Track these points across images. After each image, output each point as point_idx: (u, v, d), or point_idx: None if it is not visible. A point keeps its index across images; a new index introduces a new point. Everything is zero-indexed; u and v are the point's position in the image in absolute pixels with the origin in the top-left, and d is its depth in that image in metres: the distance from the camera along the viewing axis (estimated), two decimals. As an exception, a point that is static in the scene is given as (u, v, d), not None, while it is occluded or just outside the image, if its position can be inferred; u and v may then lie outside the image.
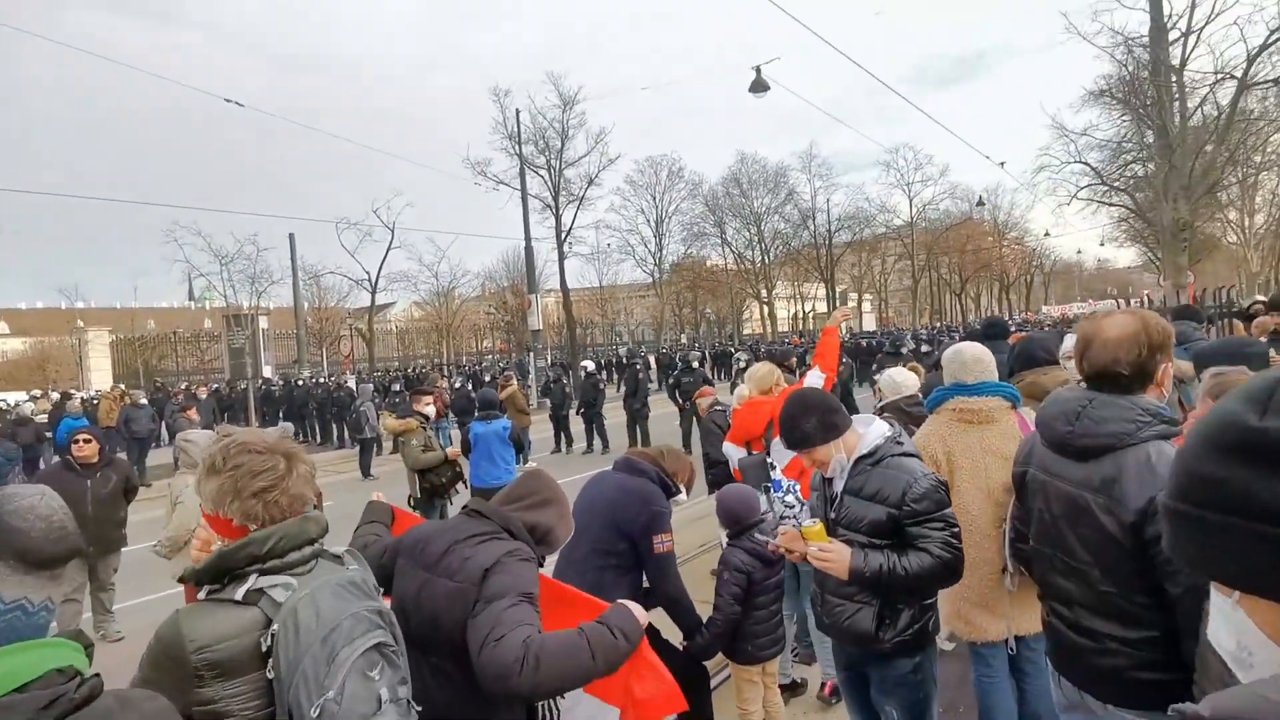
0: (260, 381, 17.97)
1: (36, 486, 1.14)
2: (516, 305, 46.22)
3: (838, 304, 48.69)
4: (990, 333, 4.84)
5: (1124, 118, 22.71)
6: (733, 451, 3.77)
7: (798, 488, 3.41)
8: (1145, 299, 28.41)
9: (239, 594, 1.30)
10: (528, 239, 22.49)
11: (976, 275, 51.10)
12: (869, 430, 2.23)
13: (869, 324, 53.74)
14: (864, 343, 25.11)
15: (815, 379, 3.63)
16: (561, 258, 28.96)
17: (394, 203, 45.58)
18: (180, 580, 1.36)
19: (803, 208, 43.29)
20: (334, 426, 16.32)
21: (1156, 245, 26.79)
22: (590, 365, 13.79)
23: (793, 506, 3.34)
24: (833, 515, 2.20)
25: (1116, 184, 24.84)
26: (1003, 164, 28.56)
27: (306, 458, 1.46)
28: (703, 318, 51.95)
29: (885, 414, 4.56)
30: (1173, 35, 15.14)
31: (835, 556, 2.06)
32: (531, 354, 22.66)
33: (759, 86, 16.17)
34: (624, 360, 27.73)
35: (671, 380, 11.99)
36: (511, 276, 47.25)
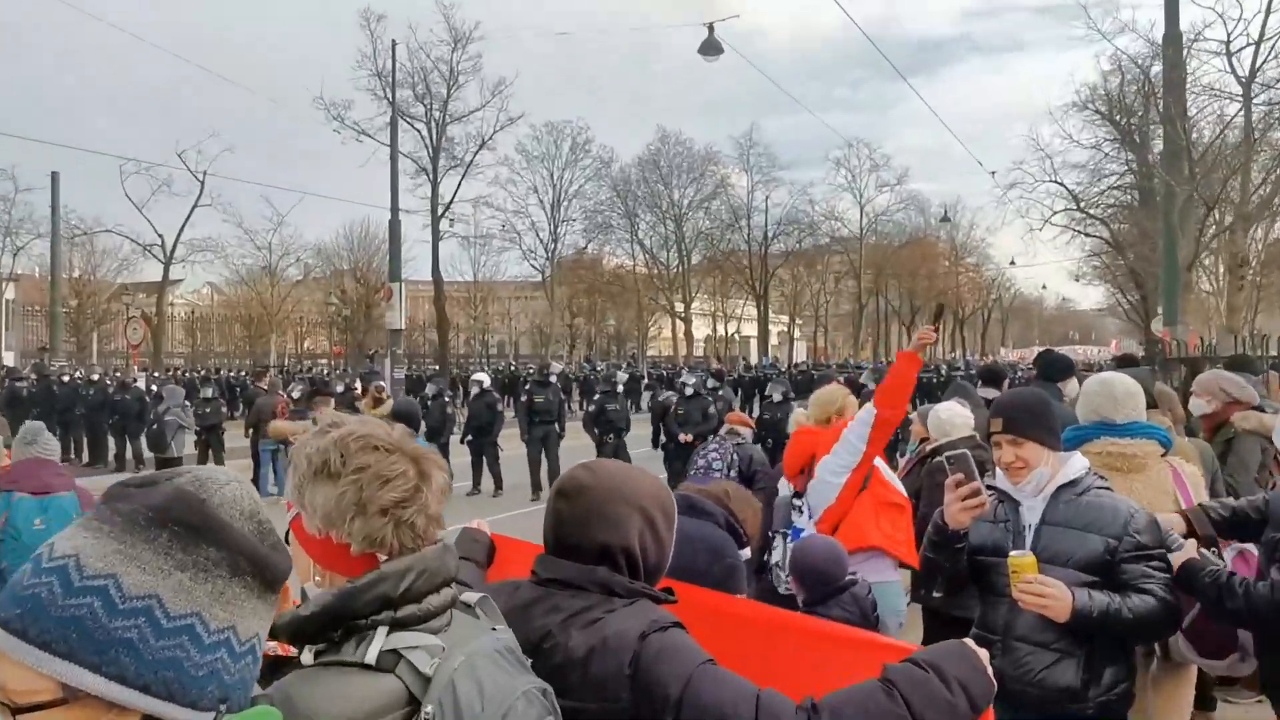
0: (3, 371, 16.26)
1: (224, 470, 1.03)
2: (359, 296, 44.78)
3: (786, 325, 50.84)
4: (1051, 373, 5.15)
5: (1108, 136, 25.32)
6: (783, 490, 3.82)
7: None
8: (1114, 346, 31.51)
9: (370, 655, 1.18)
10: (395, 210, 21.81)
11: (929, 304, 54.58)
12: (1071, 460, 2.38)
13: (798, 353, 56.22)
14: (798, 374, 26.21)
15: (864, 417, 3.72)
16: (436, 238, 28.33)
17: (208, 145, 42.74)
18: (272, 634, 1.18)
19: (734, 204, 44.81)
20: (111, 440, 15.00)
21: (1129, 285, 29.85)
22: (485, 379, 13.52)
23: None
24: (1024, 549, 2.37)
25: (1093, 211, 27.60)
26: (994, 173, 30.56)
27: (441, 462, 1.36)
28: (600, 330, 52.40)
29: (936, 458, 4.79)
30: (1239, 42, 16.50)
31: (1056, 594, 2.13)
32: (389, 360, 21.86)
33: (710, 48, 16.64)
34: (522, 377, 27.48)
35: (593, 408, 12.08)
36: (355, 257, 45.82)
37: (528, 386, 12.90)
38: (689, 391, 11.51)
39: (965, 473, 2.37)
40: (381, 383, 13.46)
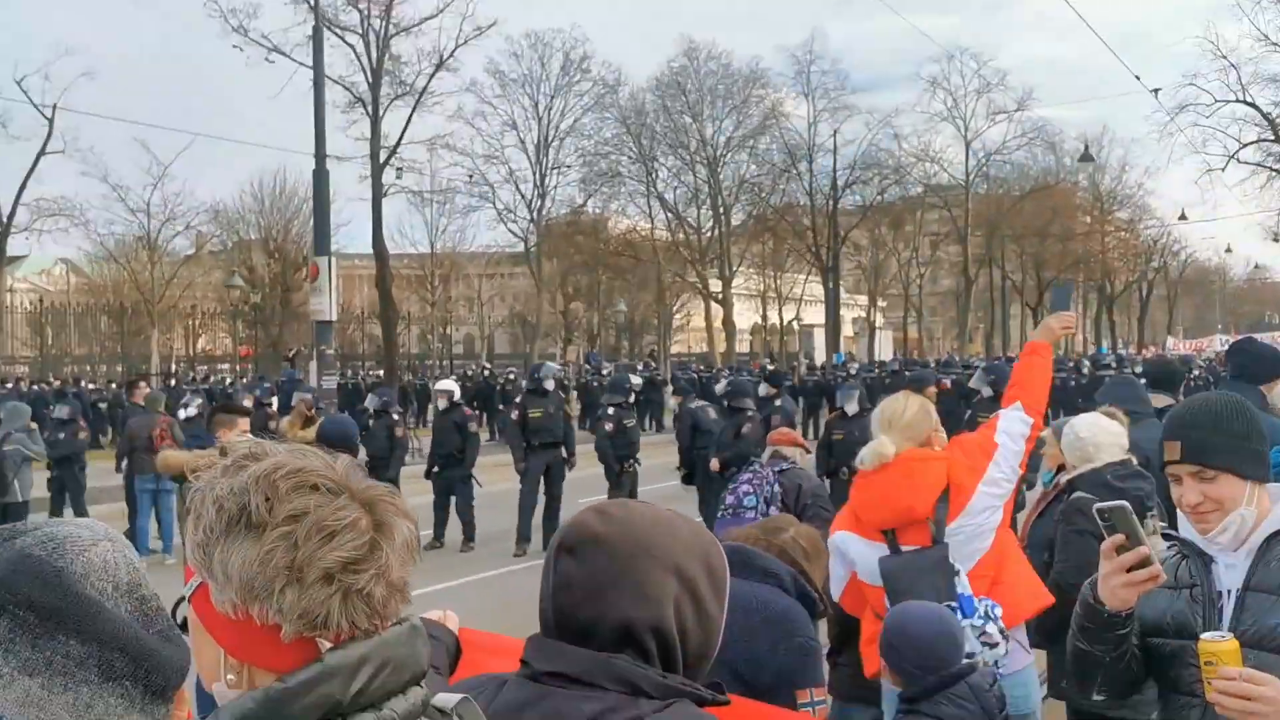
0: None
1: (89, 524, 1.05)
2: (273, 276, 45.21)
3: (862, 307, 50.62)
4: (1251, 370, 5.08)
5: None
6: (858, 547, 3.79)
7: (999, 611, 3.49)
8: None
9: None
10: (320, 156, 21.93)
11: (1062, 277, 54.46)
12: None
13: (883, 347, 56.30)
14: (886, 377, 26.15)
15: (1016, 425, 3.83)
16: (379, 194, 28.46)
17: (59, 69, 43.27)
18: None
19: (790, 143, 44.87)
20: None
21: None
22: (453, 389, 13.60)
23: (995, 644, 3.37)
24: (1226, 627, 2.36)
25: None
26: (1156, 91, 29.92)
27: (405, 507, 1.36)
28: (607, 318, 52.72)
29: (1076, 493, 4.75)
30: None
31: (1269, 693, 2.11)
32: (315, 364, 22.01)
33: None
34: (501, 384, 27.59)
35: (607, 425, 12.28)
36: (267, 222, 46.28)
37: (519, 399, 12.99)
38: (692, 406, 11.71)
39: (1127, 532, 2.33)
40: (307, 394, 13.54)
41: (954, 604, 3.43)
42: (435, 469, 13.00)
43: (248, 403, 13.82)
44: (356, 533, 1.28)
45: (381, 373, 32.23)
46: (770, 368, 26.95)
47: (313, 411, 10.71)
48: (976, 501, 3.75)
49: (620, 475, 12.22)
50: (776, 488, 6.49)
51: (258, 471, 1.29)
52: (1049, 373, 4.10)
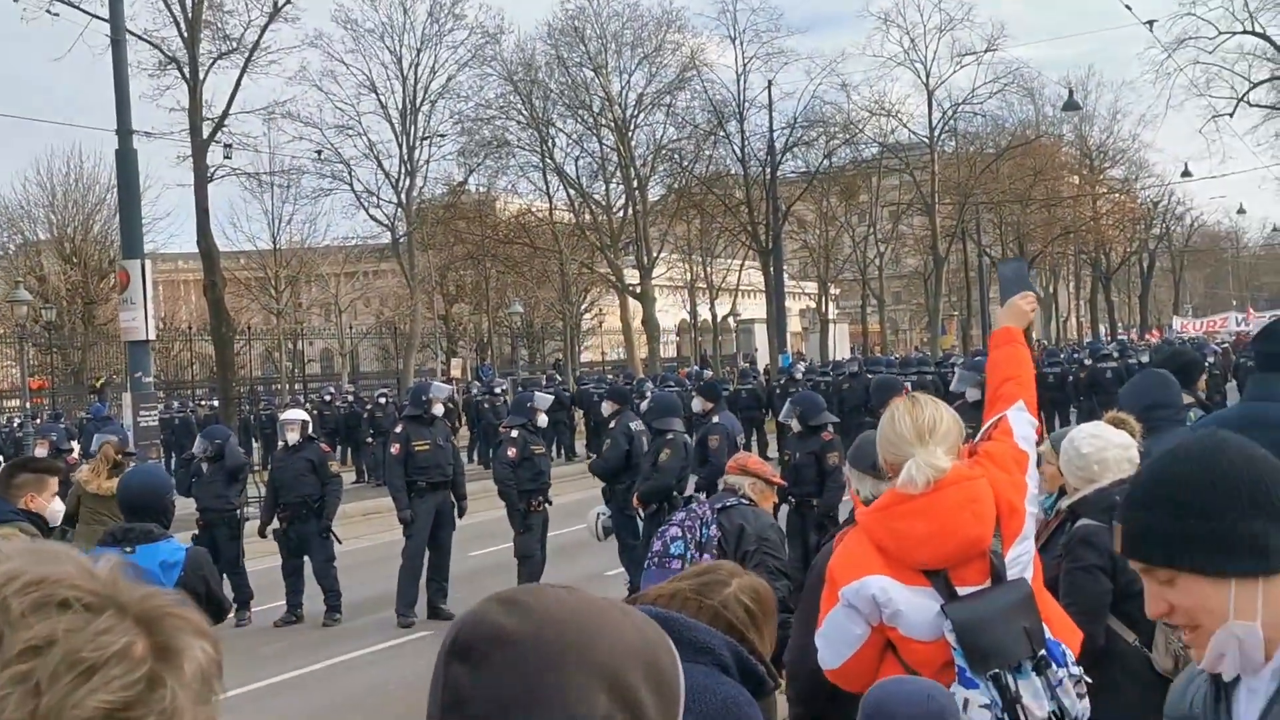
0: None
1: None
2: (71, 286, 44.12)
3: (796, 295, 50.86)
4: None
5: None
6: (904, 595, 3.75)
7: (1071, 658, 3.59)
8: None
9: None
10: (124, 130, 21.48)
11: (1048, 251, 55.77)
12: None
13: (839, 344, 56.89)
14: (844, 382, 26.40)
15: (1027, 429, 3.96)
16: (202, 177, 27.96)
17: None
18: None
19: (716, 98, 45.21)
20: None
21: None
22: (301, 418, 13.34)
23: (1084, 694, 3.50)
24: None
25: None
26: (1150, 24, 30.47)
27: (199, 622, 1.25)
28: (500, 323, 52.52)
29: (1080, 520, 4.78)
30: None
31: None
32: (128, 396, 21.49)
33: None
34: (369, 411, 27.12)
35: (508, 454, 12.21)
36: (60, 219, 45.26)
37: (399, 428, 12.82)
38: (633, 425, 11.68)
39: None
40: (113, 436, 13.14)
41: (1042, 652, 3.53)
42: (282, 524, 12.71)
43: (41, 450, 13.45)
44: (128, 664, 1.17)
45: (214, 404, 31.66)
46: (705, 375, 27.12)
47: (120, 456, 10.40)
48: (1029, 524, 3.82)
49: (527, 516, 12.13)
50: (712, 530, 6.45)
51: None
52: (1027, 357, 4.22)
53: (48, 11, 26.05)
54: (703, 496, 8.11)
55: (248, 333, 42.96)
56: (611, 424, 12.71)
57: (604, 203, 46.20)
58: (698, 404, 12.95)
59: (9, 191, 45.17)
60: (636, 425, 12.25)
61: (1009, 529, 3.75)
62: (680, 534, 6.43)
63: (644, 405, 12.84)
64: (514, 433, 12.46)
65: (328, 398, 31.23)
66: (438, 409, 12.84)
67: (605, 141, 45.36)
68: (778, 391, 26.35)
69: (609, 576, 13.60)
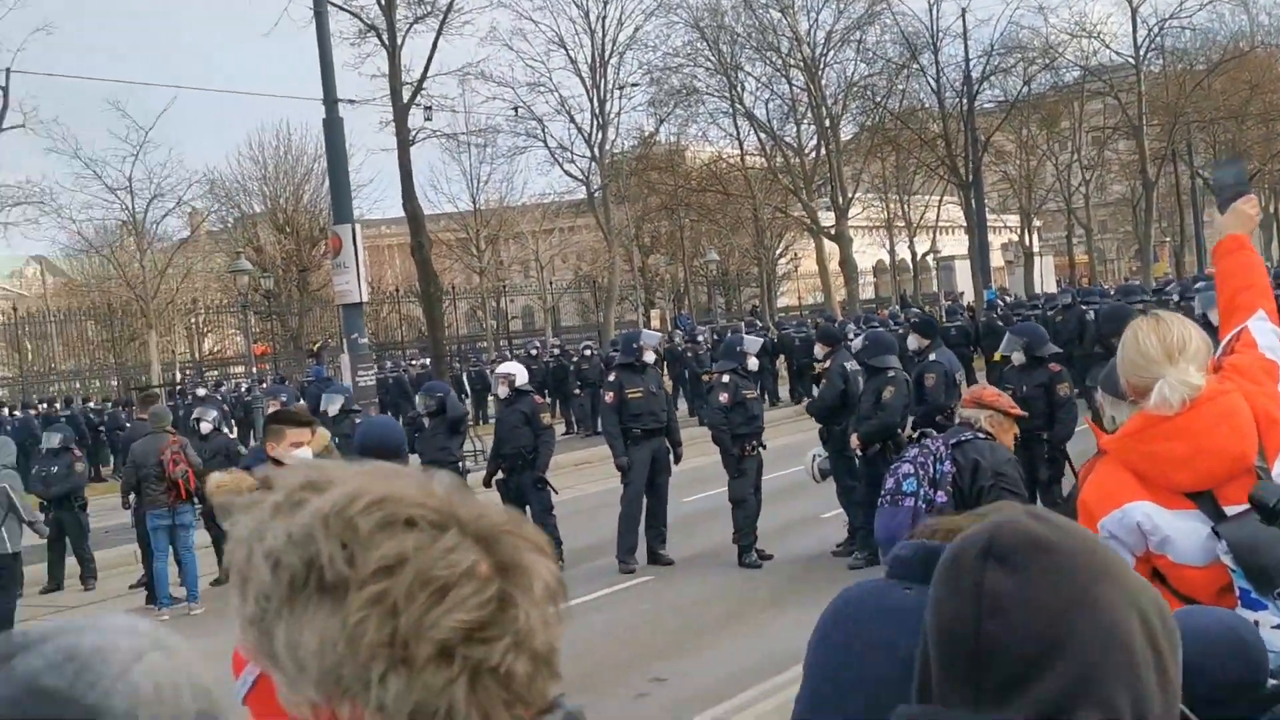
0: None
1: (122, 620, 1.04)
2: (285, 255, 45.84)
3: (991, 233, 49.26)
4: None
5: None
6: (1170, 520, 3.56)
7: None
8: None
9: None
10: (330, 99, 22.07)
11: (1268, 169, 52.90)
12: None
13: (1044, 276, 55.20)
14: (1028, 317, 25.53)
15: (1271, 337, 3.78)
16: (405, 141, 28.69)
17: (10, 25, 44.23)
18: None
19: (908, 30, 44.13)
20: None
21: None
22: (517, 373, 13.52)
23: None
24: None
25: None
26: None
27: (537, 538, 1.24)
28: (695, 272, 52.68)
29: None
30: None
31: None
32: (348, 357, 22.20)
33: None
34: (575, 363, 27.52)
35: (721, 398, 12.15)
36: (272, 189, 46.98)
37: (613, 377, 12.91)
38: (847, 365, 11.53)
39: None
40: (340, 395, 13.62)
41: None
42: (500, 474, 12.97)
43: (272, 408, 13.92)
44: (478, 583, 1.16)
45: (427, 362, 32.54)
46: (924, 310, 26.46)
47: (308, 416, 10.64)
48: None
49: (741, 461, 12.08)
50: (947, 465, 6.27)
51: (324, 506, 1.16)
52: (1262, 267, 4.04)
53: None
54: (934, 433, 7.87)
55: (452, 292, 43.98)
56: (825, 364, 12.48)
57: (796, 145, 45.90)
58: (913, 341, 12.63)
59: (225, 168, 47.10)
60: (851, 365, 12.03)
61: (1271, 442, 3.54)
62: (913, 470, 6.31)
63: (855, 344, 12.53)
64: (725, 378, 12.38)
65: (534, 352, 31.80)
66: (649, 356, 12.86)
67: (795, 82, 44.96)
68: (985, 328, 25.71)
69: (826, 519, 13.49)
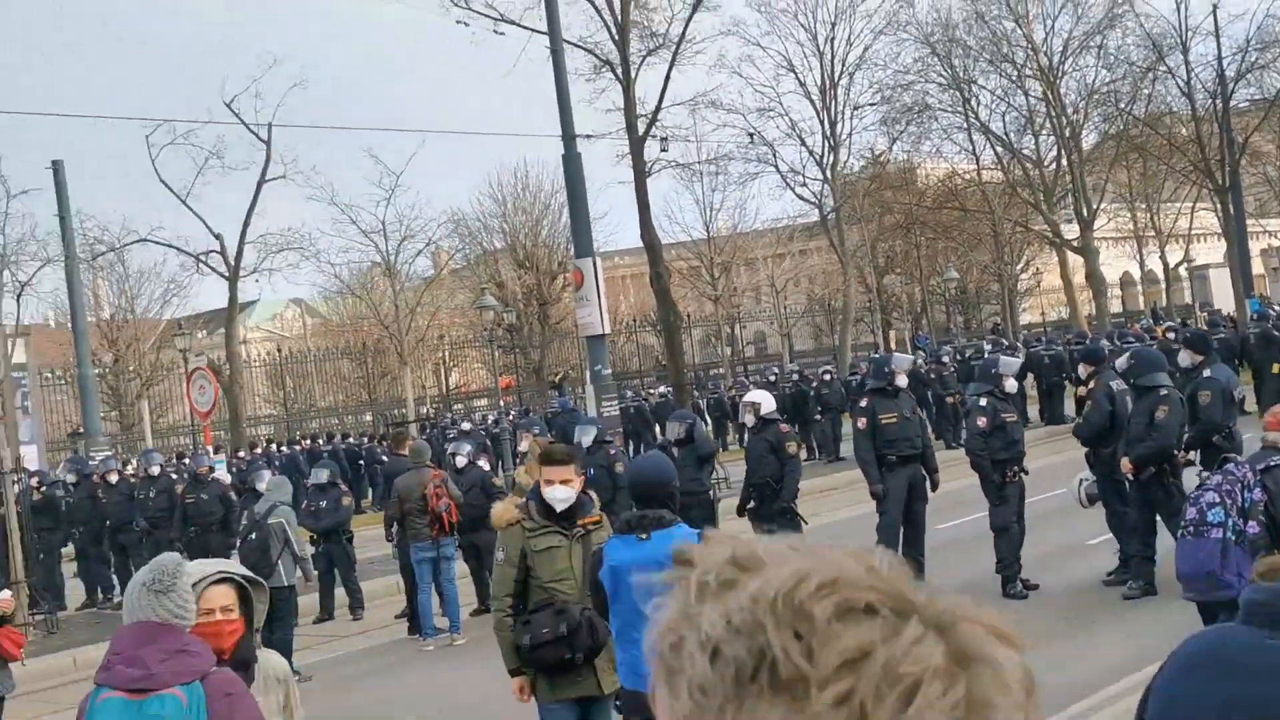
0: (25, 477, 18.39)
1: None
2: (525, 290, 46.86)
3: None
4: None
5: None
6: None
7: None
8: None
9: None
10: (568, 135, 22.45)
11: None
12: None
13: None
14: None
15: None
16: (641, 172, 28.90)
17: (269, 84, 46.84)
18: None
19: (1154, 31, 42.04)
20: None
21: None
22: (762, 400, 13.34)
23: None
24: None
25: None
26: None
27: (999, 624, 1.07)
28: (933, 290, 51.57)
29: None
30: None
31: None
32: (592, 388, 22.48)
33: None
34: (814, 388, 27.12)
35: (978, 422, 11.68)
36: (511, 225, 48.07)
37: (864, 402, 12.51)
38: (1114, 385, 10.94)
39: None
40: (593, 427, 13.74)
41: None
42: (751, 503, 12.74)
43: (524, 443, 14.17)
44: (945, 680, 1.00)
45: (664, 390, 32.67)
46: (1199, 326, 25.04)
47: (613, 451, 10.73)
48: None
49: (1003, 488, 11.60)
50: (1257, 493, 5.83)
51: (768, 589, 1.03)
52: None
53: (494, 32, 27.77)
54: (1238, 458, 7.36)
55: (688, 320, 44.12)
56: (1090, 385, 11.88)
57: (1034, 157, 44.33)
58: (1185, 357, 11.93)
59: (467, 207, 48.55)
60: (1117, 385, 11.42)
61: None
62: (1218, 499, 5.89)
63: (1120, 363, 11.88)
64: (982, 401, 11.92)
65: (772, 378, 31.51)
66: (901, 380, 12.48)
67: (1031, 93, 43.49)
68: (1259, 338, 24.16)
69: (1092, 545, 12.87)
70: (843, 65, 41.57)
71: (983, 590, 11.82)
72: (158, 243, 35.85)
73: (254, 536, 12.43)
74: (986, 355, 29.70)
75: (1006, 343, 34.95)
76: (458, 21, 28.34)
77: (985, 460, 11.63)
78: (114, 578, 17.62)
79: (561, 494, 6.37)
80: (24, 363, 21.09)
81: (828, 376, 28.14)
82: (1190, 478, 10.67)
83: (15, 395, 19.42)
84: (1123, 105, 43.00)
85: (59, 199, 26.19)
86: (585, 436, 14.16)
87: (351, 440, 31.26)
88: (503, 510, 6.86)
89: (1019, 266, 49.89)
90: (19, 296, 34.24)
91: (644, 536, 5.87)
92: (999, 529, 11.67)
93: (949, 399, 25.80)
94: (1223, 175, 39.71)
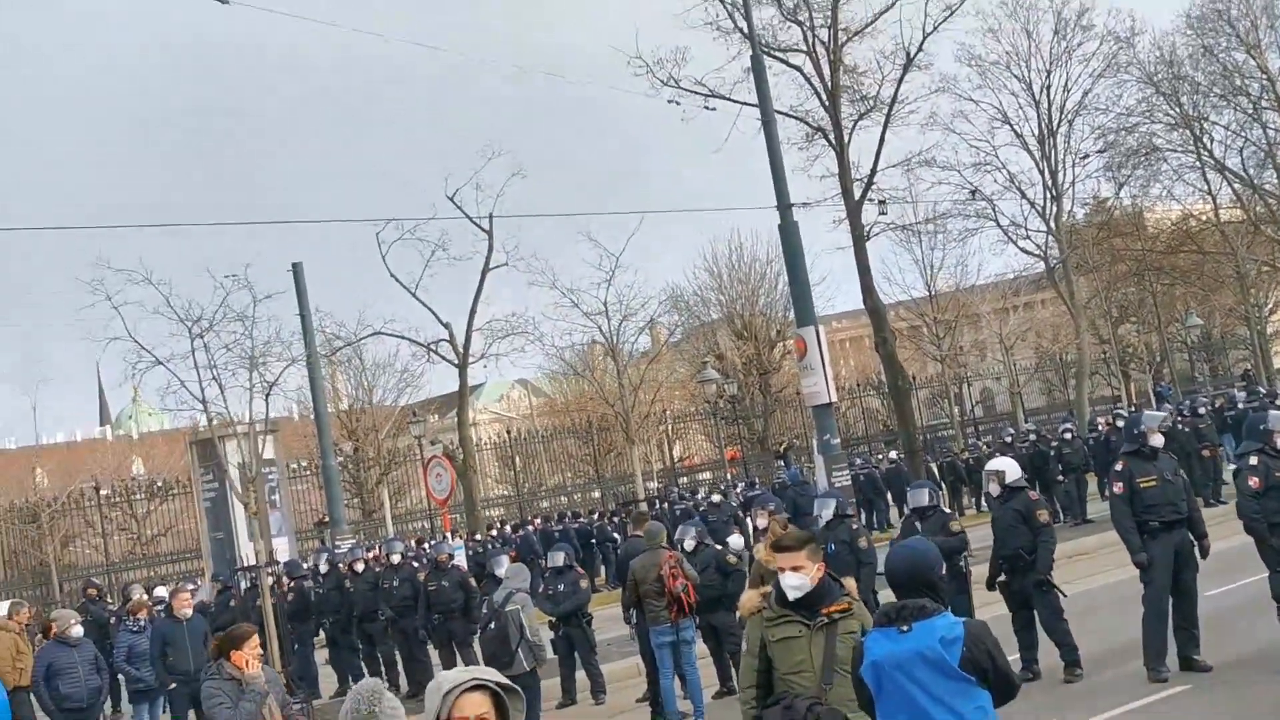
0: (279, 573, 18.89)
1: None
2: (746, 359, 46.65)
3: None
4: None
5: None
6: None
7: None
8: None
9: None
10: (784, 204, 22.22)
11: None
12: None
13: None
14: None
15: None
16: (860, 237, 28.49)
17: (489, 174, 48.06)
18: None
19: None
20: (435, 652, 16.68)
21: None
22: (1006, 468, 12.71)
23: None
24: None
25: None
26: None
27: None
28: (1172, 338, 49.24)
29: None
30: None
31: None
32: (820, 459, 22.01)
33: None
34: (1056, 447, 25.96)
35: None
36: (729, 296, 47.99)
37: (1120, 466, 11.61)
38: None
39: None
40: (833, 499, 13.32)
41: None
42: (1002, 576, 12.20)
43: (762, 520, 13.82)
44: None
45: (894, 455, 31.87)
46: None
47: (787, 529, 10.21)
48: None
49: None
50: None
51: None
52: None
53: (705, 108, 27.87)
54: None
55: (913, 382, 43.10)
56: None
57: (1277, 191, 42.05)
58: None
59: (683, 281, 48.74)
60: None
61: None
62: None
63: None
64: (1253, 459, 10.98)
65: (1007, 439, 30.27)
66: (1156, 440, 11.65)
67: (1270, 125, 41.36)
68: None
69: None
70: (1061, 112, 40.23)
71: (1267, 665, 10.90)
72: (391, 335, 36.79)
73: (493, 626, 12.42)
74: (1241, 405, 27.91)
75: (1264, 390, 32.86)
76: (669, 101, 28.54)
77: (1261, 524, 10.71)
78: (363, 666, 17.90)
79: (794, 581, 6.13)
80: (273, 458, 21.80)
81: (1068, 435, 26.86)
82: None
83: (265, 489, 20.07)
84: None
85: (299, 299, 27.19)
86: (825, 510, 13.70)
87: (583, 519, 31.39)
88: (748, 599, 6.63)
89: (1268, 308, 47.19)
90: (268, 396, 35.96)
91: (905, 629, 5.54)
92: (1282, 597, 10.72)
93: (1205, 452, 24.34)
94: None
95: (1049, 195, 40.22)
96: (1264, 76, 40.47)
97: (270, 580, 16.66)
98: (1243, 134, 41.90)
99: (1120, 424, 24.80)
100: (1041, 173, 40.23)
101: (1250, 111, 41.31)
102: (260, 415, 18.03)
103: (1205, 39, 40.97)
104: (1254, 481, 10.79)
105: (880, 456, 35.75)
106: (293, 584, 18.82)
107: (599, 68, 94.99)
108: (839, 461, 22.18)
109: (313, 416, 32.65)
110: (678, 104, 28.31)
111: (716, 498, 25.74)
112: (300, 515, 39.62)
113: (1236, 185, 42.41)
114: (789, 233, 22.35)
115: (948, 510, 18.12)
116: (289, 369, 35.98)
